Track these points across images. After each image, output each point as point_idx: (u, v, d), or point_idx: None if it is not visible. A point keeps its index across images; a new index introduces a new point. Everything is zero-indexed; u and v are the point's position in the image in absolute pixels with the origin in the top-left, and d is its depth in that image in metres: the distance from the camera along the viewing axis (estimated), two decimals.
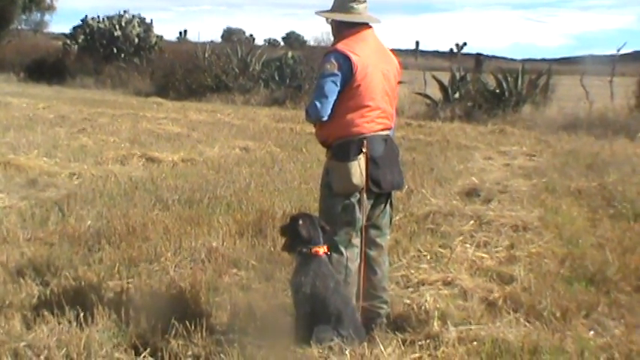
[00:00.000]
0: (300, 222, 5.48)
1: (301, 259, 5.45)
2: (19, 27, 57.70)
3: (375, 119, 5.59)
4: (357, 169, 5.47)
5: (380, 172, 5.60)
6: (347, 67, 5.42)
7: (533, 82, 25.53)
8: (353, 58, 5.43)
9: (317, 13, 5.88)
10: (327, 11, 5.75)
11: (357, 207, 5.57)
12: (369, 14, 5.72)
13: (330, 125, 5.52)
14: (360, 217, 5.61)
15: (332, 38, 5.89)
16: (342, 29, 5.67)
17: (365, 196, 5.57)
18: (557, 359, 5.37)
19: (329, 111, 5.44)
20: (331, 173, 5.60)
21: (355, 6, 5.63)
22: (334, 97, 5.43)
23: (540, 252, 8.17)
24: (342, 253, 5.62)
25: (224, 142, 16.11)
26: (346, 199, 5.54)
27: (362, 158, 5.48)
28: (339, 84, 5.42)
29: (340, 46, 5.52)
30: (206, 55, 33.06)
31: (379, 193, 5.67)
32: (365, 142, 5.50)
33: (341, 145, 5.52)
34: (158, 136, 17.16)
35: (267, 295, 6.45)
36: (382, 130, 5.66)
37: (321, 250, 5.43)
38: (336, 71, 5.41)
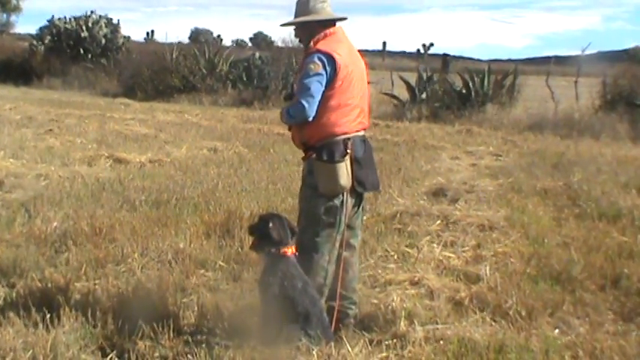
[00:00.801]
0: (270, 223, 5.48)
1: (269, 259, 5.46)
2: None
3: (355, 119, 5.61)
4: (345, 170, 5.47)
5: (363, 172, 5.62)
6: (331, 66, 5.42)
7: (500, 83, 25.71)
8: (337, 57, 5.42)
9: (284, 24, 5.87)
10: (298, 18, 5.70)
11: (339, 208, 5.58)
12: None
13: (312, 126, 5.48)
14: (343, 218, 5.62)
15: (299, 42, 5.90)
16: (316, 31, 5.62)
17: (348, 197, 5.59)
18: (522, 358, 5.41)
19: (315, 111, 5.41)
20: (317, 175, 5.53)
21: (325, 6, 5.65)
22: (320, 98, 5.42)
23: (506, 251, 8.23)
24: (322, 254, 5.62)
25: (192, 143, 16.07)
26: (330, 200, 5.53)
27: (347, 159, 5.48)
28: (323, 84, 5.41)
29: (322, 46, 5.50)
30: (173, 55, 32.94)
31: (358, 193, 5.70)
32: (349, 142, 5.52)
33: (325, 146, 5.49)
34: (125, 137, 17.09)
35: (234, 296, 6.45)
36: (361, 129, 5.69)
37: (290, 250, 5.45)
38: (320, 71, 5.39)
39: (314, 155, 5.53)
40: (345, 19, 5.77)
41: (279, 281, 5.33)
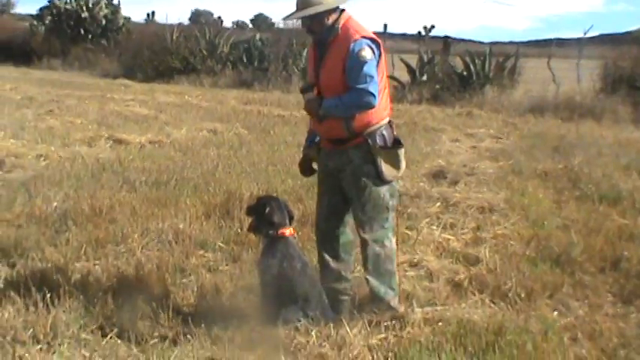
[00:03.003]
0: (268, 207, 5.49)
1: (268, 241, 5.48)
2: None
3: (390, 101, 5.70)
4: (403, 153, 5.58)
5: None
6: (378, 51, 5.43)
7: (501, 65, 25.58)
8: (379, 41, 5.45)
9: (298, 16, 5.54)
10: (314, 7, 5.39)
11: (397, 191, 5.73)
12: None
13: (367, 112, 5.42)
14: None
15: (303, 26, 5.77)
16: (331, 18, 5.46)
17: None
18: (521, 339, 5.39)
19: None
20: (381, 162, 5.48)
21: None
22: None
23: (506, 234, 8.22)
24: (392, 239, 5.74)
25: (192, 124, 16.06)
26: (391, 185, 5.61)
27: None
28: (377, 69, 5.40)
29: (363, 32, 5.43)
30: (174, 37, 32.82)
31: None
32: (393, 124, 5.63)
33: (377, 131, 5.50)
34: (126, 117, 17.09)
35: (233, 277, 6.45)
36: None
37: (288, 231, 5.46)
38: (373, 57, 5.35)
39: (369, 142, 5.47)
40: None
41: (278, 262, 5.35)
